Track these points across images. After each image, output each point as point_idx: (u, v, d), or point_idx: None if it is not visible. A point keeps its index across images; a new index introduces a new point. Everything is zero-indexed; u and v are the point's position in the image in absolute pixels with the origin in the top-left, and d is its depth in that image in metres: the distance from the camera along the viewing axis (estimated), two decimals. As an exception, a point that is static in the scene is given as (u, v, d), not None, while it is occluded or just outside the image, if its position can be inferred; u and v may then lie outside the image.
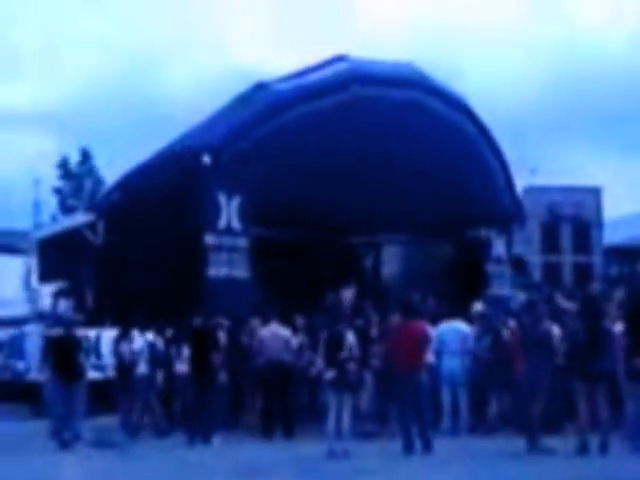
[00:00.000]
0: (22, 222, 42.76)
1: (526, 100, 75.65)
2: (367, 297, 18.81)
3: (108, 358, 17.08)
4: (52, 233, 26.34)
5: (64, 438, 13.34)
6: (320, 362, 13.01)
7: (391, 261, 22.62)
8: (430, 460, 11.59)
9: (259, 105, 18.36)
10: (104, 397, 15.81)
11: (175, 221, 17.06)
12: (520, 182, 27.24)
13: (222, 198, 17.29)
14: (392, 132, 18.70)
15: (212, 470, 11.53)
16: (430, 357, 13.48)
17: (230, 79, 48.43)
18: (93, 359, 16.76)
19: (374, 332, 15.30)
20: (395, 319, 13.44)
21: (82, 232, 20.49)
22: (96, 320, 18.31)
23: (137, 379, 14.87)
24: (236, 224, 17.43)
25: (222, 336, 14.87)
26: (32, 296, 23.84)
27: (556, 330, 12.47)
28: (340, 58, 19.36)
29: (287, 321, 15.64)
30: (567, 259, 46.98)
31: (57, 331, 14.73)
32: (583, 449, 11.47)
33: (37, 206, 46.19)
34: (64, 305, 20.72)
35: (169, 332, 15.91)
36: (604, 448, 11.42)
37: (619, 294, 14.62)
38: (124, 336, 15.23)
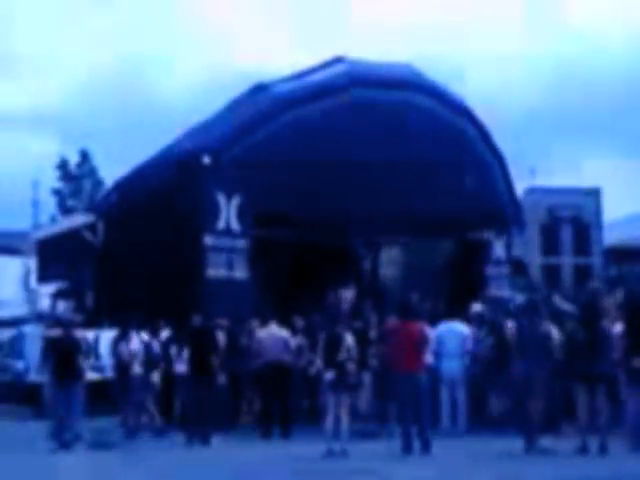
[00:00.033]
0: (21, 223, 42.83)
1: (526, 101, 75.68)
2: (366, 298, 18.82)
3: (107, 359, 17.10)
4: (51, 234, 26.41)
5: (64, 439, 13.34)
6: (319, 363, 13.02)
7: (390, 262, 22.63)
8: (429, 460, 11.59)
9: (258, 106, 18.37)
10: (103, 398, 15.82)
11: (174, 222, 17.07)
12: (520, 183, 27.29)
13: (221, 199, 17.29)
14: (391, 133, 18.71)
15: (210, 470, 11.52)
16: (429, 358, 13.51)
17: (230, 80, 48.48)
18: (92, 360, 16.75)
19: (373, 333, 15.32)
20: (394, 320, 13.44)
21: (81, 233, 20.53)
22: (95, 321, 18.32)
23: (132, 379, 14.87)
24: (235, 225, 17.44)
25: (221, 337, 14.87)
26: (31, 297, 23.90)
27: (555, 331, 12.48)
28: (339, 59, 19.37)
29: (286, 322, 15.65)
30: (567, 261, 47.00)
31: (56, 332, 14.72)
32: (583, 449, 11.48)
33: (36, 207, 46.23)
34: (63, 306, 20.76)
35: (166, 332, 15.92)
36: (603, 448, 11.44)
37: (619, 295, 14.62)
38: (123, 337, 15.23)
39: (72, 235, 21.87)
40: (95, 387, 15.48)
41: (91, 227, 20.16)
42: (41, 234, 29.00)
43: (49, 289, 22.52)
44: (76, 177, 53.16)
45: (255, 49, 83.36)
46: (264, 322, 15.33)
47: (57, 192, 52.85)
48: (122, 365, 15.10)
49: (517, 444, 11.83)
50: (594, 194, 47.55)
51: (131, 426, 14.80)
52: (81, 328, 15.19)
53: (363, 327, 15.32)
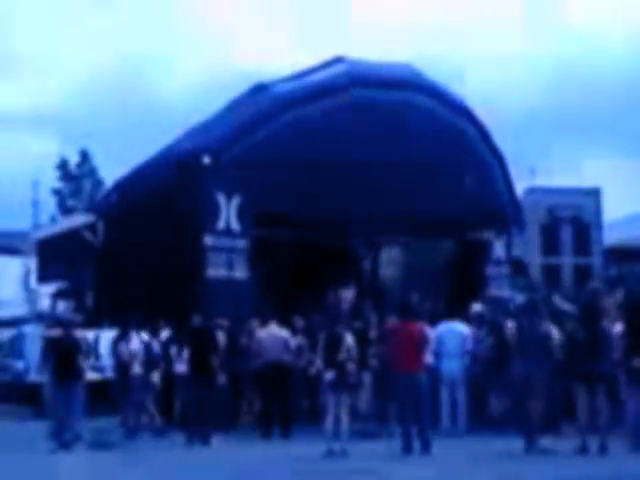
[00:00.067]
0: (21, 223, 42.84)
1: (526, 100, 75.67)
2: (366, 298, 18.82)
3: (107, 359, 17.11)
4: (51, 234, 26.41)
5: (64, 439, 13.34)
6: (319, 363, 13.02)
7: (390, 262, 22.63)
8: (429, 460, 11.59)
9: (258, 106, 18.37)
10: (103, 398, 15.82)
11: (174, 222, 17.07)
12: (520, 184, 27.30)
13: (221, 199, 17.29)
14: (391, 133, 18.71)
15: (210, 470, 11.52)
16: (429, 358, 13.51)
17: (230, 80, 48.50)
18: (92, 360, 16.74)
19: (373, 333, 15.33)
20: (394, 320, 13.44)
21: (81, 233, 20.53)
22: (95, 321, 18.32)
23: (132, 380, 14.88)
24: (235, 225, 17.43)
25: (221, 337, 14.88)
26: (31, 297, 23.89)
27: (555, 331, 12.48)
28: (339, 59, 19.36)
29: (286, 322, 15.65)
30: (567, 261, 47.01)
31: (56, 332, 14.72)
32: (583, 449, 11.48)
33: (36, 207, 46.23)
34: (63, 306, 20.76)
35: (166, 332, 15.92)
36: (603, 448, 11.44)
37: (619, 295, 14.63)
38: (123, 337, 15.23)
39: (72, 235, 21.87)
40: (95, 387, 15.49)
41: (91, 227, 20.16)
42: (41, 234, 29.01)
43: (49, 289, 22.52)
44: (76, 177, 53.17)
45: (255, 49, 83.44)
46: (264, 322, 15.33)
47: (57, 192, 52.86)
48: (122, 365, 15.11)
49: (517, 444, 11.83)
50: (594, 194, 47.57)
51: (131, 426, 14.80)
52: (81, 328, 15.20)
53: (363, 327, 15.32)
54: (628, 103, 74.41)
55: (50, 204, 51.56)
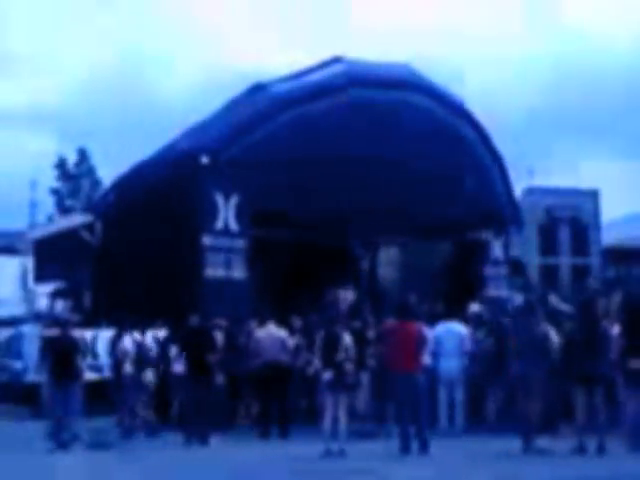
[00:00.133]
0: (19, 222, 42.78)
1: (525, 101, 75.72)
2: (364, 298, 18.84)
3: (105, 359, 17.10)
4: (49, 233, 26.37)
5: (62, 439, 13.33)
6: (317, 363, 13.01)
7: (388, 262, 22.64)
8: (427, 460, 11.59)
9: (257, 106, 18.37)
10: (101, 398, 15.81)
11: (172, 222, 17.07)
12: (518, 184, 27.31)
13: (219, 199, 17.30)
14: (389, 133, 18.71)
15: (209, 470, 11.52)
16: (426, 358, 13.51)
17: (228, 80, 48.48)
18: (90, 360, 16.73)
19: (371, 333, 15.33)
20: (392, 320, 13.44)
21: (79, 233, 20.50)
22: (93, 321, 18.30)
23: (124, 379, 14.88)
24: (233, 225, 17.44)
25: (219, 337, 14.87)
26: (28, 296, 23.84)
27: (552, 332, 12.49)
28: (337, 59, 19.36)
29: (284, 322, 15.65)
30: (565, 261, 47.03)
31: (54, 331, 14.71)
32: (580, 450, 11.49)
33: (34, 206, 46.17)
34: (61, 305, 20.72)
35: (163, 332, 15.90)
36: (601, 449, 11.45)
37: (616, 297, 14.64)
38: (121, 337, 15.22)
39: (70, 235, 21.82)
40: (93, 387, 15.48)
41: (89, 227, 20.15)
42: (39, 234, 28.97)
43: (47, 289, 22.48)
44: (74, 176, 53.12)
45: (254, 49, 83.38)
46: (262, 322, 15.33)
47: (55, 191, 52.81)
48: (118, 365, 15.11)
49: (515, 444, 11.84)
50: (592, 195, 47.58)
51: (127, 426, 14.78)
52: (79, 328, 15.19)
53: (361, 327, 15.33)
54: (627, 104, 74.47)
55: (48, 203, 51.53)
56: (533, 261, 43.85)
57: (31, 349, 19.30)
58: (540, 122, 75.16)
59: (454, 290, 19.84)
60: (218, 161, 17.23)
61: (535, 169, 47.92)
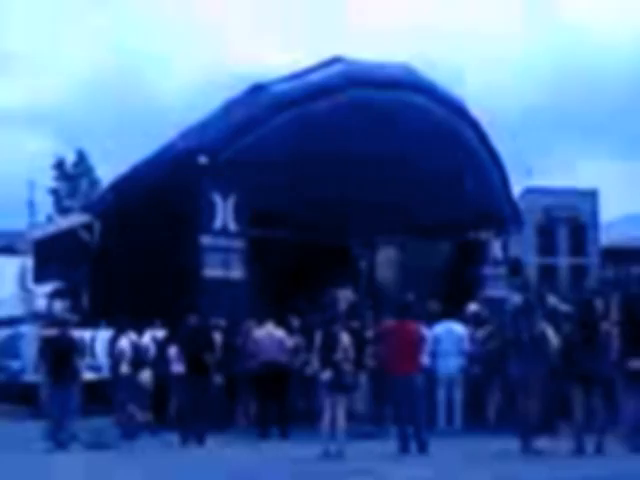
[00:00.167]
0: (18, 222, 42.78)
1: (524, 101, 75.71)
2: (363, 298, 18.82)
3: (103, 359, 17.09)
4: (48, 234, 26.34)
5: (60, 439, 13.33)
6: (315, 363, 13.00)
7: (387, 262, 22.62)
8: (426, 461, 11.59)
9: (256, 106, 18.34)
10: (100, 397, 15.80)
11: (171, 222, 17.06)
12: (517, 184, 27.31)
13: (218, 199, 17.29)
14: (389, 133, 18.70)
15: (207, 471, 11.51)
16: (425, 358, 13.51)
17: (227, 80, 48.51)
18: (88, 360, 16.72)
19: (369, 333, 15.32)
20: (390, 320, 13.44)
21: (78, 233, 20.49)
22: (91, 321, 18.30)
23: (119, 379, 14.88)
24: (232, 225, 17.43)
25: (217, 337, 14.86)
26: (27, 296, 23.83)
27: (551, 331, 12.48)
28: (337, 59, 19.34)
29: (282, 322, 15.64)
30: (563, 261, 47.07)
31: (52, 332, 14.70)
32: (579, 450, 11.49)
33: (32, 206, 46.14)
34: (59, 305, 20.71)
35: (161, 332, 15.90)
36: (599, 449, 11.45)
37: (615, 298, 14.63)
38: (118, 337, 15.22)
39: (68, 235, 21.82)
40: (91, 387, 15.47)
41: (87, 227, 20.14)
42: (37, 234, 28.94)
43: (45, 289, 22.48)
44: (73, 176, 53.13)
45: (252, 50, 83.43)
46: (261, 322, 15.32)
47: (54, 192, 52.82)
48: (116, 365, 15.11)
49: (513, 444, 11.83)
50: (591, 195, 47.63)
51: (125, 426, 14.76)
52: (77, 328, 15.18)
53: (360, 327, 15.32)
54: (626, 104, 74.55)
55: (47, 204, 51.54)
56: (531, 261, 43.91)
57: (29, 349, 19.31)
58: (539, 122, 75.25)
59: (453, 290, 19.83)
60: (217, 161, 17.22)
61: (534, 169, 48.05)
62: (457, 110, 20.29)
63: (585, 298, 13.26)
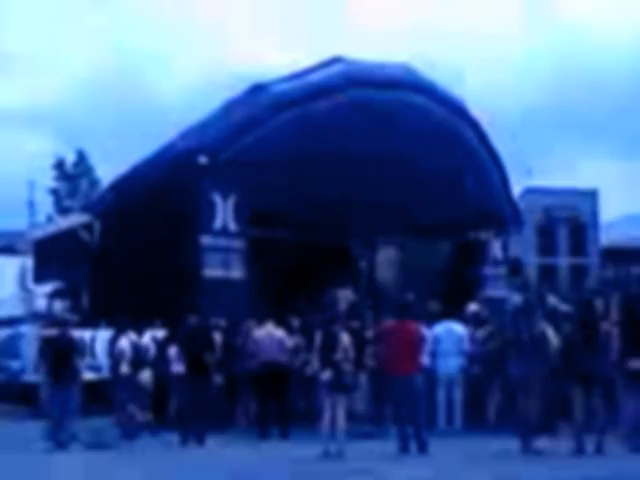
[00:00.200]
0: (18, 223, 42.78)
1: (524, 101, 75.71)
2: (363, 298, 18.81)
3: (103, 359, 17.09)
4: (48, 234, 26.35)
5: (60, 439, 13.32)
6: (315, 363, 13.00)
7: (387, 262, 22.61)
8: (426, 461, 11.59)
9: (255, 106, 18.34)
10: (99, 397, 15.80)
11: (171, 222, 17.06)
12: (517, 184, 27.30)
13: (218, 199, 17.28)
14: (389, 133, 18.69)
15: (206, 471, 11.51)
16: (425, 358, 13.50)
17: (227, 80, 48.50)
18: (88, 360, 16.73)
19: (369, 333, 15.32)
20: (390, 320, 13.44)
21: (78, 233, 20.49)
22: (91, 321, 18.29)
23: (119, 379, 14.88)
24: (232, 225, 17.43)
25: (217, 337, 14.86)
26: (27, 296, 23.83)
27: (551, 331, 12.48)
28: (337, 59, 19.34)
29: (282, 322, 15.63)
30: (563, 261, 47.07)
31: (52, 332, 14.70)
32: (579, 450, 11.49)
33: (32, 206, 46.14)
34: (59, 305, 20.71)
35: (161, 333, 15.89)
36: (599, 449, 11.44)
37: (615, 298, 14.63)
38: (119, 337, 15.22)
39: (68, 235, 21.82)
40: (92, 387, 15.46)
41: (87, 227, 20.14)
42: (37, 234, 28.94)
43: (45, 289, 22.48)
44: (73, 177, 53.12)
45: (253, 50, 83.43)
46: (261, 322, 15.32)
47: (54, 192, 52.82)
48: (116, 365, 15.10)
49: (513, 445, 11.83)
50: (591, 195, 47.63)
51: (125, 426, 14.76)
52: (77, 328, 15.17)
53: (359, 327, 15.32)
54: (627, 104, 74.57)
55: (47, 204, 51.54)
56: (531, 261, 43.90)
57: (29, 349, 19.31)
58: (539, 121, 75.25)
59: (453, 290, 19.82)
60: (217, 161, 17.21)
61: (534, 169, 48.07)
62: (457, 110, 20.28)
63: (585, 298, 13.26)
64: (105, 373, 16.54)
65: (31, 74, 79.52)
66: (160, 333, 15.92)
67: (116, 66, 75.68)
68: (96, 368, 17.19)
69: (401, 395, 12.13)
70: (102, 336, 17.32)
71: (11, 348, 21.78)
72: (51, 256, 24.15)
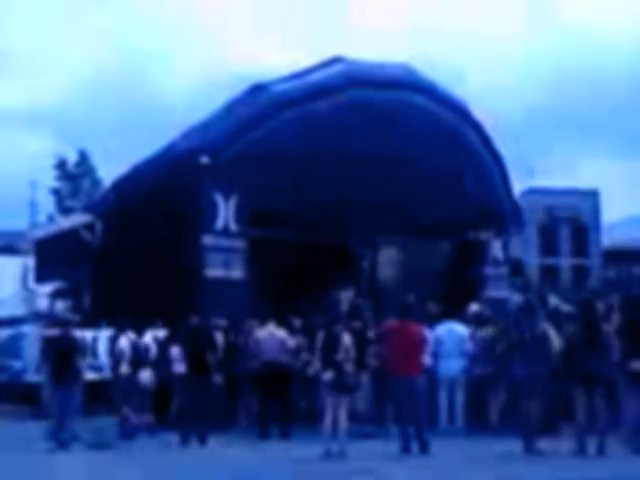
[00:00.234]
0: (19, 222, 42.82)
1: (525, 101, 75.71)
2: (364, 298, 18.80)
3: (105, 358, 17.08)
4: (49, 233, 26.35)
5: (62, 438, 13.32)
6: (317, 363, 13.00)
7: (388, 263, 22.61)
8: (427, 461, 11.58)
9: (257, 106, 18.35)
10: (101, 397, 15.79)
11: (172, 222, 17.06)
12: (518, 184, 27.30)
13: (219, 199, 17.30)
14: (389, 133, 18.69)
15: (208, 471, 11.50)
16: (427, 359, 13.50)
17: (228, 80, 48.53)
18: (90, 360, 16.73)
19: (371, 333, 15.31)
20: (392, 320, 13.42)
21: (79, 233, 20.49)
22: (93, 321, 18.29)
23: (119, 379, 14.88)
24: (233, 225, 17.44)
25: (219, 337, 14.86)
26: (29, 296, 23.83)
27: (553, 332, 12.47)
28: (337, 59, 19.34)
29: (284, 322, 15.63)
30: (565, 262, 47.04)
31: (54, 332, 14.70)
32: (581, 451, 11.48)
33: (34, 206, 46.16)
34: (61, 305, 20.71)
35: (162, 332, 15.89)
36: (601, 450, 11.43)
37: (617, 298, 14.62)
38: (119, 336, 15.21)
39: (70, 235, 21.82)
40: (93, 387, 15.46)
41: (89, 227, 20.14)
42: (39, 234, 28.95)
43: (47, 289, 22.48)
44: (74, 176, 53.13)
45: (254, 49, 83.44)
46: (262, 322, 15.32)
47: (55, 192, 52.83)
48: (116, 365, 15.10)
49: (515, 445, 11.82)
50: (592, 195, 47.61)
51: (126, 426, 14.75)
52: (79, 328, 15.17)
53: (361, 327, 15.31)
54: (627, 104, 74.55)
55: (48, 204, 51.56)
56: (533, 261, 43.89)
57: (31, 349, 19.30)
58: (540, 121, 75.24)
59: (454, 290, 19.83)
60: (218, 161, 17.22)
61: (535, 169, 48.07)
62: (458, 110, 20.28)
63: (587, 299, 13.24)
64: (107, 373, 16.53)
65: (32, 73, 79.65)
66: (161, 333, 15.91)
67: (117, 65, 75.78)
68: (98, 368, 17.17)
69: (403, 395, 12.13)
70: (104, 336, 17.31)
71: (13, 348, 21.77)
72: (53, 256, 24.15)
